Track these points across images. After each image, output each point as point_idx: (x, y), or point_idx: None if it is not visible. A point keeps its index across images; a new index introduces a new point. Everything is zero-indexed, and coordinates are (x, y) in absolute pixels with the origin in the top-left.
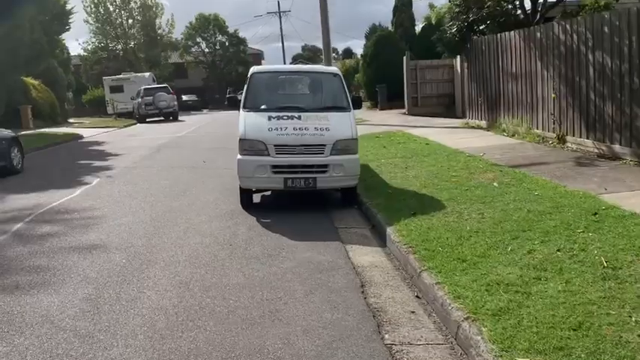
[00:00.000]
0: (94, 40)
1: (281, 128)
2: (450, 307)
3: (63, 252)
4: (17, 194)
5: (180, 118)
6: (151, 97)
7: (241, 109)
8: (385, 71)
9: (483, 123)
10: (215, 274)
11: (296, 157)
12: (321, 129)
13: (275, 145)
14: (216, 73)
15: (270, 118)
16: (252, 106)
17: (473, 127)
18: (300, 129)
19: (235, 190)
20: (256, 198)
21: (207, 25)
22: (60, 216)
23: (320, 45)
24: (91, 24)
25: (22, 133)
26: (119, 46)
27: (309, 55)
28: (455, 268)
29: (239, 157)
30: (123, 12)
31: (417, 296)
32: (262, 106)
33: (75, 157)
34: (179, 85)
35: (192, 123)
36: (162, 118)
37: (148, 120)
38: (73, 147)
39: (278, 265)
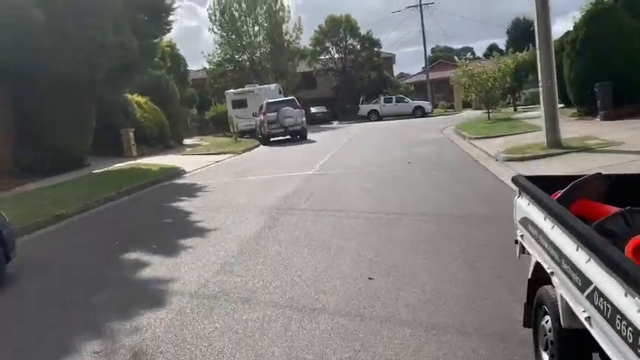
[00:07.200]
0: (219, 51)
1: None
2: None
3: None
4: None
5: (309, 135)
6: (275, 114)
7: None
8: (607, 62)
9: None
10: None
11: None
12: None
13: None
14: (347, 80)
15: None
16: None
17: None
18: None
19: None
20: None
21: (338, 27)
22: None
23: (453, 45)
24: (215, 32)
25: (112, 167)
26: (245, 57)
27: (445, 55)
28: None
29: None
30: (248, 18)
31: None
32: None
33: (127, 240)
34: (307, 96)
35: (325, 146)
36: (288, 137)
37: (272, 140)
38: (154, 201)
39: None
